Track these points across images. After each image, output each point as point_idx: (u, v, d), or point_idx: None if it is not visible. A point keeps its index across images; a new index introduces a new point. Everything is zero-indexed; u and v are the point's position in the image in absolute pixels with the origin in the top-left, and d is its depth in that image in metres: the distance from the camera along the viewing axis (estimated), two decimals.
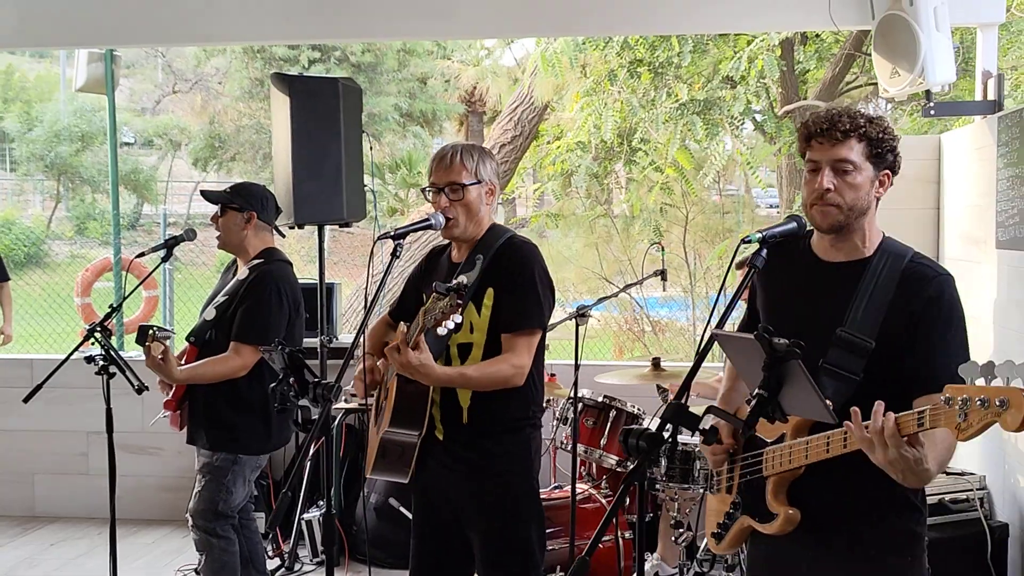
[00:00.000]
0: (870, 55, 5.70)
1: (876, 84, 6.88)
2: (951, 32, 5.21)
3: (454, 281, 3.02)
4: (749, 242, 2.62)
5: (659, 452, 2.44)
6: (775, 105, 11.09)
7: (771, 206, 14.49)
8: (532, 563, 3.49)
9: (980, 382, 2.07)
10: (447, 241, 3.62)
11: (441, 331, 3.07)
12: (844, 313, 2.59)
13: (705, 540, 4.96)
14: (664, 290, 6.94)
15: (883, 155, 2.61)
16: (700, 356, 2.56)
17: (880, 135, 2.59)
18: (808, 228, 2.76)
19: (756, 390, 2.47)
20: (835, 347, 2.57)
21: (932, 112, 5.41)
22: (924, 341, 2.49)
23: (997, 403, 2.04)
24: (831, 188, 2.56)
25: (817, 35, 10.51)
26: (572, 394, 4.99)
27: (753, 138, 12.17)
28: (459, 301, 2.98)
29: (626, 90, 10.15)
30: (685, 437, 4.79)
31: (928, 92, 5.27)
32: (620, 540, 4.88)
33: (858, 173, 2.58)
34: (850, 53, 9.90)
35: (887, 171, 2.63)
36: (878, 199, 2.65)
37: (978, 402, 2.07)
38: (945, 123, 8.63)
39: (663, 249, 5.65)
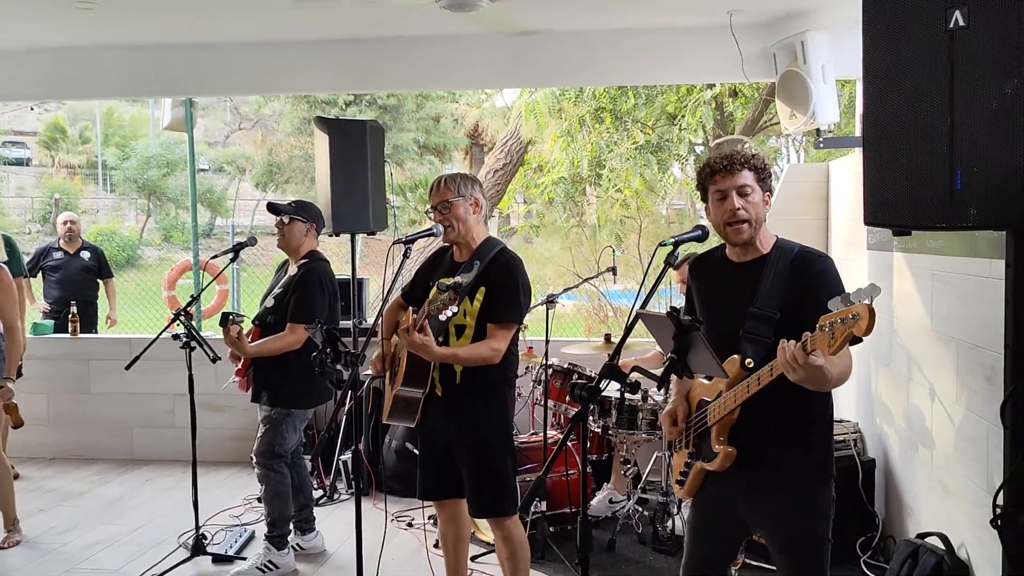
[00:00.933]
0: None
1: None
2: (836, 83, 5.32)
3: (452, 281, 3.14)
4: (665, 245, 2.76)
5: (596, 397, 2.58)
6: (710, 140, 11.22)
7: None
8: (507, 485, 3.57)
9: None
10: (449, 244, 3.71)
11: (441, 317, 3.20)
12: (754, 296, 2.68)
13: (647, 471, 5.14)
14: (615, 283, 7.02)
15: (766, 180, 2.73)
16: (627, 329, 2.67)
17: (763, 165, 2.72)
18: (720, 242, 2.85)
19: (669, 354, 2.62)
20: (750, 320, 2.67)
21: (821, 145, 5.46)
22: (815, 302, 2.49)
23: (851, 317, 2.16)
24: (740, 207, 2.67)
25: (745, 86, 10.63)
26: (544, 362, 5.10)
27: (696, 166, 12.25)
28: (455, 296, 3.10)
29: (593, 133, 10.26)
30: (630, 396, 4.90)
31: (818, 130, 5.35)
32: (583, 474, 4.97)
33: (754, 194, 2.69)
34: (766, 99, 9.99)
35: (768, 192, 2.74)
36: (766, 212, 2.75)
37: (839, 321, 2.18)
38: (844, 152, 8.74)
39: (614, 251, 5.75)
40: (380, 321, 3.75)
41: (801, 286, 2.65)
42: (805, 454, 2.74)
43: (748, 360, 2.62)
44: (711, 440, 2.73)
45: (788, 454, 2.71)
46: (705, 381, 2.82)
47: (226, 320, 4.31)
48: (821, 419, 2.77)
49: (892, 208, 1.98)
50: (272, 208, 4.62)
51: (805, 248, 2.76)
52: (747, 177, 2.69)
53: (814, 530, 2.72)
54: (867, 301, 2.15)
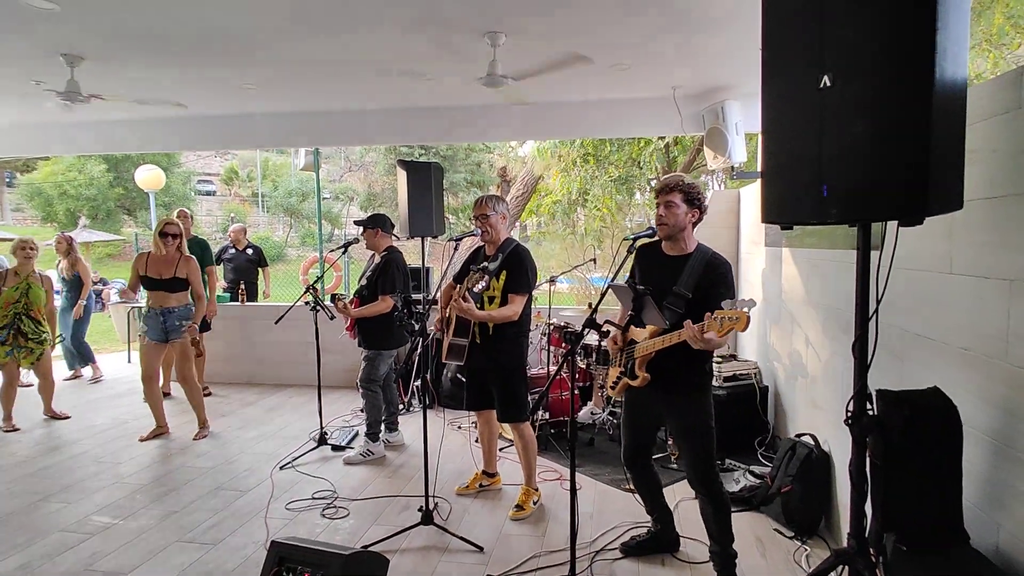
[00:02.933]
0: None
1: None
2: (744, 135, 5.24)
3: (482, 266, 3.18)
4: (627, 239, 2.73)
5: (580, 342, 2.57)
6: (660, 176, 11.09)
7: None
8: (522, 400, 3.58)
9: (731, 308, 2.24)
10: (482, 243, 3.71)
11: (476, 289, 3.20)
12: (677, 280, 2.68)
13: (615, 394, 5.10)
14: (595, 271, 6.97)
15: (693, 199, 2.69)
16: (601, 295, 2.66)
17: (689, 190, 2.68)
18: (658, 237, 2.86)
19: (629, 312, 2.62)
20: (671, 296, 2.67)
21: (735, 177, 5.40)
22: (714, 293, 2.57)
23: (735, 319, 2.19)
24: (663, 215, 2.68)
25: (684, 137, 10.48)
26: (548, 321, 5.09)
27: (650, 194, 12.11)
28: (483, 275, 3.13)
29: (582, 170, 10.17)
30: (605, 342, 4.85)
31: (733, 167, 5.29)
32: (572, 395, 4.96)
33: (677, 208, 2.67)
34: (698, 147, 9.85)
35: (696, 209, 2.70)
36: (692, 224, 2.71)
37: (727, 318, 2.22)
38: (750, 182, 8.62)
39: (595, 249, 5.71)
40: (439, 294, 3.75)
41: (707, 280, 2.64)
42: (693, 376, 2.74)
43: (665, 322, 2.62)
44: (635, 368, 2.75)
45: (682, 377, 2.73)
46: (636, 328, 2.80)
47: (334, 298, 4.41)
48: (702, 360, 2.74)
49: (780, 211, 1.94)
50: (357, 223, 4.67)
51: (715, 254, 2.73)
52: (675, 196, 2.68)
53: (701, 421, 2.74)
54: (746, 310, 2.18)
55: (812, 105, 1.77)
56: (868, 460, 2.03)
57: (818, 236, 3.60)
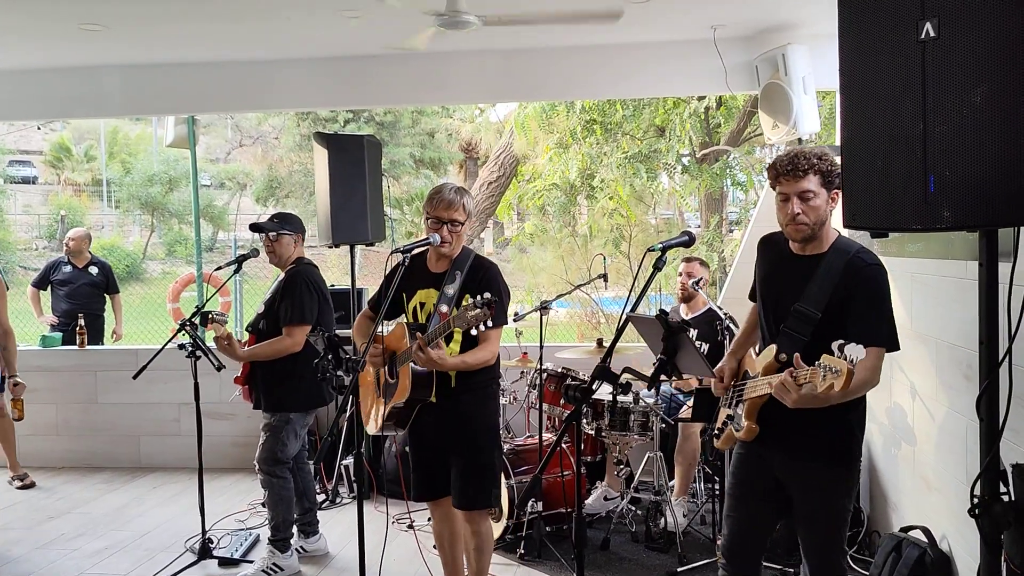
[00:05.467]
0: None
1: None
2: (816, 94, 5.35)
3: (487, 297, 3.08)
4: (653, 250, 2.79)
5: (589, 399, 2.62)
6: (696, 152, 11.26)
7: (697, 226, 14.60)
8: (493, 479, 3.60)
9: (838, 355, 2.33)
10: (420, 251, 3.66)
11: (473, 332, 3.17)
12: (802, 292, 2.73)
13: (639, 471, 5.13)
14: (607, 290, 7.03)
15: (832, 180, 2.71)
16: (618, 332, 2.71)
17: (828, 168, 2.71)
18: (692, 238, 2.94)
19: (659, 355, 2.67)
20: (792, 316, 2.73)
21: None
22: (854, 310, 2.64)
23: (834, 371, 2.26)
24: (800, 212, 2.69)
25: (730, 97, 10.69)
26: (538, 367, 5.08)
27: (683, 176, 12.31)
28: (490, 312, 3.06)
29: (584, 144, 10.31)
30: (623, 397, 4.89)
31: (800, 139, 5.39)
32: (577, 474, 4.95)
33: (817, 198, 2.70)
34: (751, 110, 10.03)
35: (836, 190, 2.72)
36: (831, 210, 2.76)
37: (830, 370, 2.29)
38: None
39: (605, 259, 5.75)
40: (352, 332, 3.78)
41: (846, 291, 2.69)
42: (831, 434, 2.77)
43: (782, 355, 2.68)
44: (744, 412, 2.83)
45: (813, 433, 2.75)
46: (754, 355, 2.88)
47: (206, 319, 4.31)
48: (847, 408, 2.74)
49: (870, 211, 2.01)
50: (256, 228, 4.60)
51: (860, 252, 2.76)
52: (811, 182, 2.71)
53: (836, 503, 2.80)
54: (850, 363, 2.26)
55: (911, 61, 1.84)
56: (1005, 565, 2.09)
57: (924, 240, 3.70)
